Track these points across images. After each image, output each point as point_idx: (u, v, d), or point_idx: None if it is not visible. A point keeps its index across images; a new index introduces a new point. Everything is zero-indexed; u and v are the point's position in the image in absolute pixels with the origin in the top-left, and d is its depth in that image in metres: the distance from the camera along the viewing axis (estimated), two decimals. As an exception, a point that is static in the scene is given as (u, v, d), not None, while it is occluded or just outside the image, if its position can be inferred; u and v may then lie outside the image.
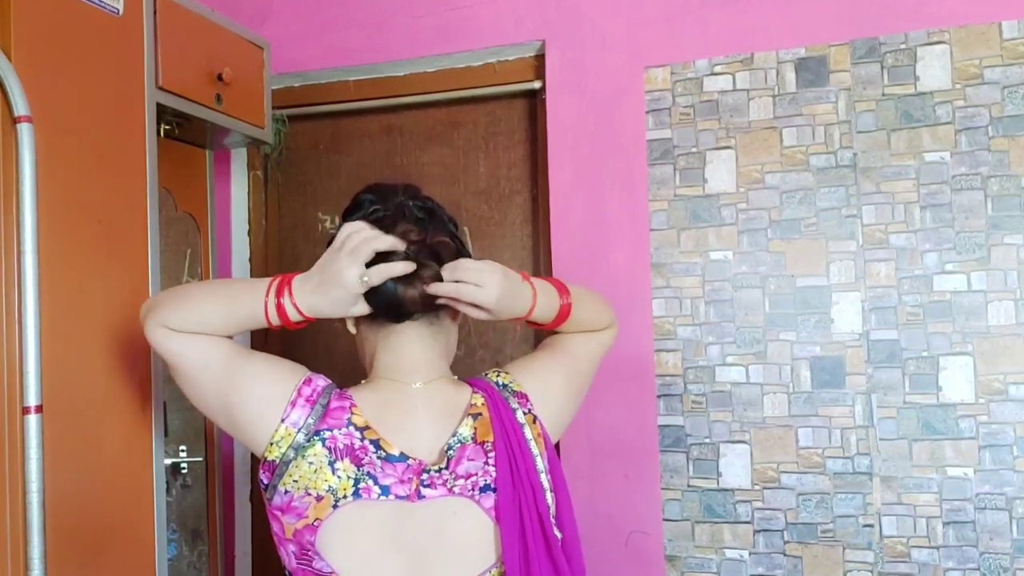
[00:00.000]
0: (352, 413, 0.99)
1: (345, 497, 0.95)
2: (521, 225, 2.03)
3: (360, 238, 0.97)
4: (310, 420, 0.98)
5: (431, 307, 1.01)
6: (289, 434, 0.97)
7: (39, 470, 1.16)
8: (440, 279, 0.99)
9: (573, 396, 1.14)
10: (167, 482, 1.66)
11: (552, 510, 1.03)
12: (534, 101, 2.00)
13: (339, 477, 0.96)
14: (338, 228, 1.01)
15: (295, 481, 0.96)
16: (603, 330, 1.19)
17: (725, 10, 1.78)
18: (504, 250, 2.03)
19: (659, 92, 1.82)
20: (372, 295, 0.99)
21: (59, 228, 1.25)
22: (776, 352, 1.73)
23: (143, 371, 1.40)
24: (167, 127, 1.64)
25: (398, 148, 2.14)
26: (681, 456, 1.77)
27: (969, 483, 1.61)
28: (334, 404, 1.00)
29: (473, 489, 0.99)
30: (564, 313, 1.11)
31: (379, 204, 1.03)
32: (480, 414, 1.03)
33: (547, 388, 1.10)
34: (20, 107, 1.16)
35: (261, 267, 2.20)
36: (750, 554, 1.72)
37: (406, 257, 0.99)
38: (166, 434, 1.58)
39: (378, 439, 0.98)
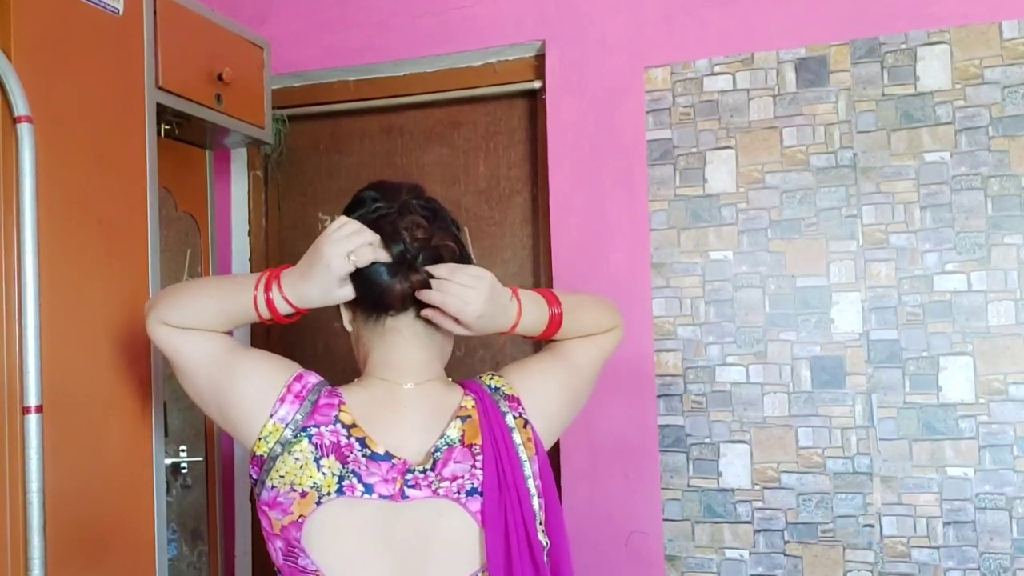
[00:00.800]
0: (340, 410, 0.99)
1: (329, 494, 0.95)
2: (521, 225, 2.03)
3: (350, 228, 0.97)
4: (298, 416, 0.98)
5: (413, 305, 1.01)
6: (277, 429, 0.97)
7: (39, 470, 1.16)
8: (429, 286, 0.99)
9: (569, 402, 1.12)
10: (167, 482, 1.67)
11: (540, 516, 1.02)
12: (534, 101, 2.00)
13: (324, 474, 0.95)
14: None
15: (281, 476, 0.96)
16: (605, 333, 1.18)
17: (725, 10, 1.78)
18: (504, 250, 2.03)
19: (659, 92, 1.82)
20: (360, 282, 0.99)
21: (59, 228, 1.25)
22: (776, 352, 1.73)
23: (143, 371, 1.40)
24: (167, 127, 1.65)
25: (398, 148, 2.14)
26: (681, 456, 1.77)
27: (969, 483, 1.61)
28: (323, 401, 1.00)
29: (459, 492, 0.98)
30: (555, 323, 1.10)
31: (383, 202, 1.02)
32: (469, 416, 1.02)
33: (541, 392, 1.09)
34: (20, 107, 1.17)
35: (261, 267, 2.20)
36: (750, 554, 1.72)
37: (407, 255, 0.99)
38: (166, 434, 1.58)
39: (364, 437, 0.98)
